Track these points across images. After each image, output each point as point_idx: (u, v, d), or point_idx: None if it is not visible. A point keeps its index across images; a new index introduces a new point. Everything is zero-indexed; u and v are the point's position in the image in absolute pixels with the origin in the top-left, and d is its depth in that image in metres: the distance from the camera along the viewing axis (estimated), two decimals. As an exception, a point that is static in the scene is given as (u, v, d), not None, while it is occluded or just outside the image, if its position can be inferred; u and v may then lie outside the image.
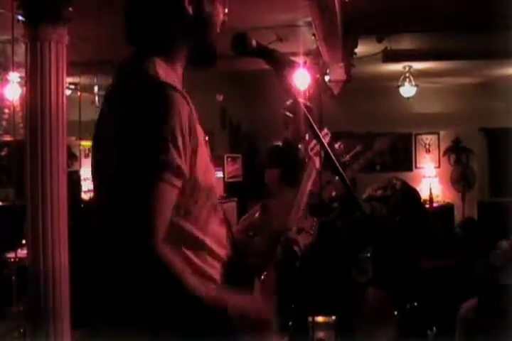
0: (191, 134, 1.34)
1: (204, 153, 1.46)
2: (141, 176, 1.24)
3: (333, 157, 1.36)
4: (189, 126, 1.33)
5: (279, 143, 4.27)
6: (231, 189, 6.35)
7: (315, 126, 1.37)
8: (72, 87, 6.46)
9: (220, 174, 5.99)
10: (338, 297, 4.06)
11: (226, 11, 1.47)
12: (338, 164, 1.36)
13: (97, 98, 6.48)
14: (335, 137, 4.60)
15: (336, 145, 4.53)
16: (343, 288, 4.04)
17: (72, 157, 6.42)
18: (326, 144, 1.36)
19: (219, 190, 5.93)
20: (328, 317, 4.28)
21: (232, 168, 7.97)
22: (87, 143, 7.35)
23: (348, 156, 4.46)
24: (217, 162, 7.89)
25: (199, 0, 1.40)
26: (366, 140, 5.02)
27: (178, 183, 1.29)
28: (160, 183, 1.24)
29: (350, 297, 4.20)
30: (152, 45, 1.42)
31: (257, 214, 3.46)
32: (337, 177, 3.87)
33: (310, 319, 3.83)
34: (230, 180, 7.45)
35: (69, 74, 4.09)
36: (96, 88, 6.54)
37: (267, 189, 4.10)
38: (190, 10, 1.39)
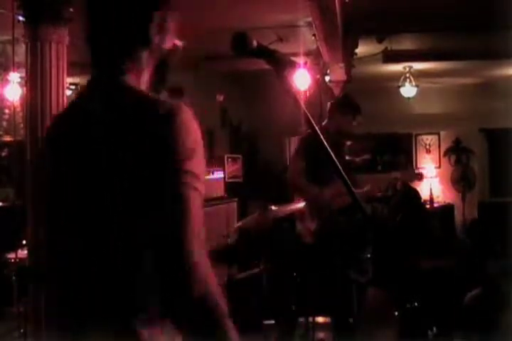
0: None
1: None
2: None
3: (333, 156, 1.35)
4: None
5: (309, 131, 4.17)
6: (231, 189, 6.35)
7: (315, 126, 1.37)
8: (73, 87, 6.46)
9: (220, 174, 5.99)
10: (338, 297, 4.05)
11: (179, 42, 1.59)
12: (338, 165, 1.36)
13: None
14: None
15: (348, 143, 4.51)
16: (343, 288, 4.04)
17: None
18: (326, 143, 1.36)
19: (219, 191, 5.93)
20: (328, 317, 4.28)
21: (233, 168, 7.97)
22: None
23: (357, 159, 4.47)
24: (218, 162, 7.89)
25: (162, 31, 1.50)
26: (366, 140, 5.04)
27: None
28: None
29: (350, 297, 4.19)
30: (122, 66, 1.42)
31: (256, 214, 3.46)
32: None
33: (310, 319, 3.84)
34: (230, 180, 7.45)
35: (69, 75, 4.08)
36: (96, 88, 6.53)
37: (289, 184, 3.99)
38: (156, 39, 1.47)
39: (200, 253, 1.22)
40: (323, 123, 4.16)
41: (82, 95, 1.46)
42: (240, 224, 3.88)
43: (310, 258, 3.80)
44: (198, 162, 1.26)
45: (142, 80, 1.46)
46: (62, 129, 1.43)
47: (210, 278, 1.23)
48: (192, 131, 1.30)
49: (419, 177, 4.26)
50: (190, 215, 1.21)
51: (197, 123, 1.33)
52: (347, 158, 4.43)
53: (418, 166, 10.32)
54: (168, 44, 1.54)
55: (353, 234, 3.82)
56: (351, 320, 3.80)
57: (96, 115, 1.36)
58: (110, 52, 1.43)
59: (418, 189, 6.27)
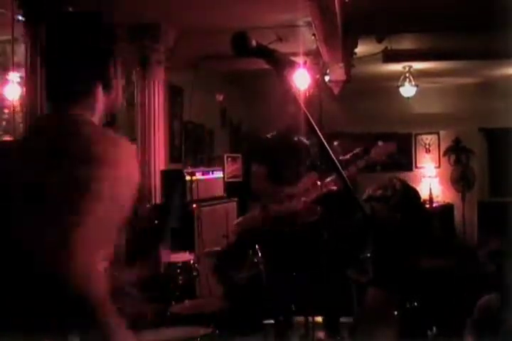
0: None
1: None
2: None
3: (333, 156, 1.35)
4: None
5: (269, 135, 4.22)
6: (231, 189, 6.35)
7: (315, 126, 1.37)
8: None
9: (220, 174, 5.99)
10: (337, 297, 4.06)
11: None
12: (337, 163, 1.36)
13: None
14: (334, 137, 4.61)
15: (335, 143, 4.53)
16: (342, 287, 4.04)
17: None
18: (325, 143, 1.36)
19: (219, 190, 5.93)
20: (327, 317, 4.28)
21: (232, 168, 7.96)
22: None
23: (348, 156, 4.46)
24: (217, 162, 7.88)
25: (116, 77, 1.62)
26: (366, 140, 5.03)
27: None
28: None
29: (350, 297, 4.19)
30: (82, 104, 1.55)
31: (256, 213, 3.46)
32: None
33: (310, 319, 3.83)
34: (230, 180, 7.45)
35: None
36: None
37: (253, 188, 4.06)
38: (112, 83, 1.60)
39: (87, 262, 1.27)
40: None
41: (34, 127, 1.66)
42: (239, 220, 3.89)
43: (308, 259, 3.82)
44: (110, 184, 1.34)
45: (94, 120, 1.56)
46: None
47: (93, 280, 1.27)
48: (106, 153, 1.38)
49: (390, 147, 4.13)
50: (82, 225, 1.28)
51: (129, 154, 1.46)
52: (340, 157, 4.44)
53: (418, 166, 10.32)
54: (118, 99, 1.66)
55: (351, 233, 3.82)
56: (351, 320, 3.80)
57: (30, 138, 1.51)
58: (69, 88, 1.54)
59: (418, 189, 6.27)
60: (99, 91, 1.56)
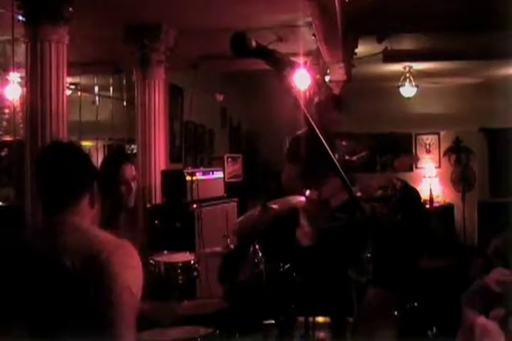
0: None
1: None
2: None
3: (334, 158, 1.35)
4: None
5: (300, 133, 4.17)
6: (231, 189, 6.35)
7: (314, 126, 1.37)
8: (72, 87, 6.46)
9: (220, 174, 5.99)
10: (338, 297, 4.05)
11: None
12: (337, 163, 1.36)
13: (97, 98, 6.48)
14: (334, 137, 4.59)
15: (344, 143, 4.51)
16: (343, 288, 4.04)
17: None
18: (325, 143, 1.36)
19: (219, 190, 5.93)
20: (328, 317, 4.28)
21: (233, 168, 7.97)
22: (87, 143, 7.36)
23: (354, 158, 4.46)
24: (218, 162, 7.89)
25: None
26: (366, 140, 5.04)
27: None
28: None
29: (350, 297, 4.19)
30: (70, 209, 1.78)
31: (256, 213, 3.45)
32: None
33: (310, 319, 3.83)
34: (230, 180, 7.45)
35: (69, 74, 4.09)
36: (96, 88, 6.54)
37: (284, 185, 4.01)
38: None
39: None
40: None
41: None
42: (239, 219, 3.88)
43: (308, 259, 3.81)
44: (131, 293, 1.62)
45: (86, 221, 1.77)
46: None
47: None
48: (129, 266, 1.65)
49: (416, 159, 4.27)
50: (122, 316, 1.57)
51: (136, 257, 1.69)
52: (347, 157, 4.43)
53: (418, 166, 10.32)
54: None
55: (353, 233, 3.82)
56: (350, 320, 3.80)
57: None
58: (62, 198, 1.75)
59: (418, 189, 6.27)
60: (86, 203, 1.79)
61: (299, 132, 4.20)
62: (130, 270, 1.64)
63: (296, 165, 3.92)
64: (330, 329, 4.06)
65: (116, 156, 3.35)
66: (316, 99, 4.66)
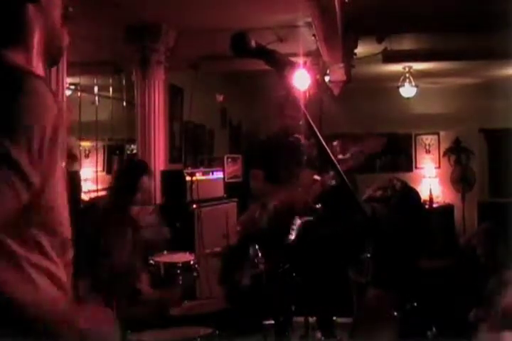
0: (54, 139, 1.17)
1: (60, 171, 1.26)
2: None
3: (331, 156, 1.36)
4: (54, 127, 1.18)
5: (265, 137, 4.29)
6: (231, 189, 6.35)
7: (314, 127, 1.37)
8: (72, 87, 6.46)
9: (220, 174, 5.99)
10: (337, 297, 4.06)
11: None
12: (336, 163, 1.36)
13: (97, 98, 6.48)
14: (335, 137, 4.60)
15: (334, 143, 4.53)
16: (342, 288, 4.04)
17: (72, 157, 6.42)
18: (324, 143, 1.36)
19: (219, 191, 5.93)
20: (323, 317, 4.28)
21: (232, 168, 7.96)
22: (87, 144, 7.35)
23: (348, 155, 4.47)
24: (218, 162, 7.88)
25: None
26: (366, 140, 5.03)
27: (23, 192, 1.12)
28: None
29: (350, 297, 4.19)
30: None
31: (257, 214, 3.46)
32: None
33: (310, 319, 3.84)
34: (230, 180, 7.45)
35: (69, 74, 4.08)
36: (96, 88, 6.54)
37: (253, 190, 4.10)
38: None
39: None
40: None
41: None
42: (240, 219, 3.90)
43: (307, 258, 3.83)
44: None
45: (29, 54, 1.31)
46: None
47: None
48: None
49: (383, 139, 4.31)
50: None
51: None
52: (340, 157, 4.45)
53: (418, 166, 10.32)
54: (54, 11, 1.42)
55: (350, 232, 3.83)
56: (345, 320, 3.81)
57: None
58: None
59: (418, 189, 6.26)
60: (29, 11, 1.28)
61: (264, 137, 4.31)
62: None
63: (259, 168, 4.00)
64: (334, 330, 4.07)
65: (135, 168, 3.45)
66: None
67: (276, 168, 3.89)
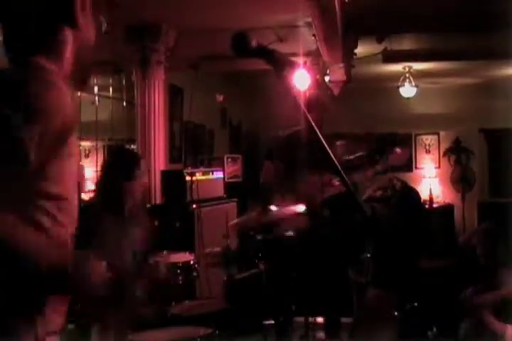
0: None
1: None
2: None
3: (333, 156, 1.36)
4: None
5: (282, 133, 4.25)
6: (231, 189, 6.34)
7: (314, 125, 1.37)
8: (72, 87, 6.45)
9: (220, 174, 5.99)
10: (337, 297, 4.06)
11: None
12: (338, 165, 1.36)
13: (97, 98, 6.47)
14: (335, 137, 4.60)
15: (338, 143, 4.53)
16: (342, 288, 4.04)
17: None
18: (325, 143, 1.36)
19: (219, 191, 5.93)
20: (327, 317, 4.28)
21: (232, 168, 7.97)
22: (87, 144, 7.35)
23: (352, 157, 4.47)
24: (218, 162, 7.88)
25: (85, 9, 1.51)
26: (366, 140, 5.04)
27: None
28: None
29: (350, 297, 4.19)
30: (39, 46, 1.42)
31: (255, 214, 3.46)
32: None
33: (310, 319, 3.84)
34: (230, 180, 7.45)
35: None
36: (96, 88, 6.54)
37: (265, 186, 4.08)
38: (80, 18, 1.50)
39: None
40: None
41: None
42: (237, 221, 3.88)
43: (308, 258, 3.82)
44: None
45: (59, 67, 1.41)
46: None
47: None
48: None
49: (406, 153, 4.33)
50: None
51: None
52: (345, 157, 4.45)
53: (418, 166, 10.32)
54: (90, 32, 1.55)
55: (350, 232, 3.83)
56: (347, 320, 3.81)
57: None
58: (28, 30, 1.38)
59: (418, 189, 6.27)
60: (65, 32, 1.42)
61: (288, 131, 4.27)
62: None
63: (280, 163, 3.98)
64: (325, 330, 4.06)
65: (127, 156, 3.35)
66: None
67: (298, 165, 3.88)
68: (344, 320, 4.27)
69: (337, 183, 3.91)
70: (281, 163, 4.03)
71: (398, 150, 4.29)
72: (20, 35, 1.38)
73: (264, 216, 3.36)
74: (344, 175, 1.39)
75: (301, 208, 3.56)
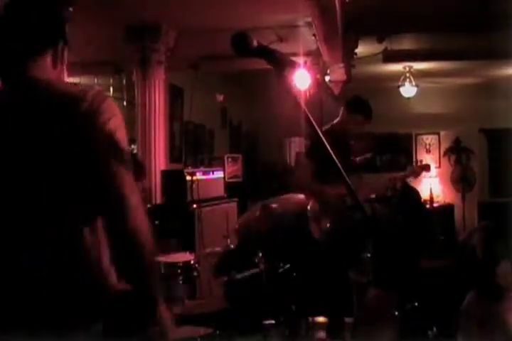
0: None
1: None
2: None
3: (335, 159, 1.35)
4: None
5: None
6: (231, 189, 6.35)
7: (315, 126, 1.37)
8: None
9: (220, 174, 5.99)
10: (337, 297, 4.05)
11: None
12: (340, 166, 1.36)
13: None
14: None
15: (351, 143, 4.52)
16: (343, 288, 4.03)
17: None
18: (327, 145, 1.36)
19: (219, 190, 5.93)
20: (327, 317, 4.27)
21: (233, 168, 7.97)
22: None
23: (357, 159, 4.47)
24: (217, 162, 7.88)
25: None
26: (367, 140, 5.04)
27: None
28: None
29: (350, 297, 4.19)
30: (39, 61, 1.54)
31: (257, 213, 3.46)
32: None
33: (310, 319, 3.83)
34: (230, 180, 7.45)
35: (69, 74, 4.08)
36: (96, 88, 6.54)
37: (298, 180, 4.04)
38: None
39: (140, 220, 1.44)
40: (335, 121, 4.25)
41: None
42: (240, 221, 3.88)
43: (321, 257, 3.82)
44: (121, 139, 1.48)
45: (60, 77, 1.56)
46: None
47: (147, 240, 1.46)
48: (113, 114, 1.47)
49: (426, 168, 4.39)
50: (126, 190, 1.41)
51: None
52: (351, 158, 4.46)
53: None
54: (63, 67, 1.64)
55: (355, 233, 3.82)
56: (349, 320, 3.80)
57: (16, 109, 1.42)
58: (28, 47, 1.49)
59: (418, 189, 6.27)
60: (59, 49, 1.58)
61: (324, 128, 4.25)
62: (115, 118, 1.48)
63: (313, 162, 3.93)
64: (328, 330, 4.06)
65: None
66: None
67: (333, 165, 3.88)
68: (347, 320, 4.27)
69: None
70: (313, 161, 3.97)
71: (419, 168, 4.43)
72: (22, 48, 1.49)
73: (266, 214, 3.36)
74: (345, 176, 1.39)
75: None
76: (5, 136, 1.40)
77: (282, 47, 4.93)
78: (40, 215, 1.37)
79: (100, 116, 1.41)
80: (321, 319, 4.24)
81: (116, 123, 1.46)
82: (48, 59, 1.53)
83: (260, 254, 3.46)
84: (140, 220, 1.43)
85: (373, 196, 4.38)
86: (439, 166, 10.23)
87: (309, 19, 5.03)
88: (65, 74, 1.66)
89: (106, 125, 1.42)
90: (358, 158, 4.48)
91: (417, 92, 8.60)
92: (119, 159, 1.42)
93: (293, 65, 1.43)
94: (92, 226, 1.42)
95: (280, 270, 3.81)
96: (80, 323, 1.37)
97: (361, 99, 4.38)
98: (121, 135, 1.48)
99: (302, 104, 1.40)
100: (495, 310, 3.22)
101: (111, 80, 6.76)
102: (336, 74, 6.59)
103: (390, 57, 6.89)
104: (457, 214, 9.73)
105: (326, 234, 3.88)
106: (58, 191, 1.37)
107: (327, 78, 6.70)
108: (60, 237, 1.38)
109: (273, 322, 3.44)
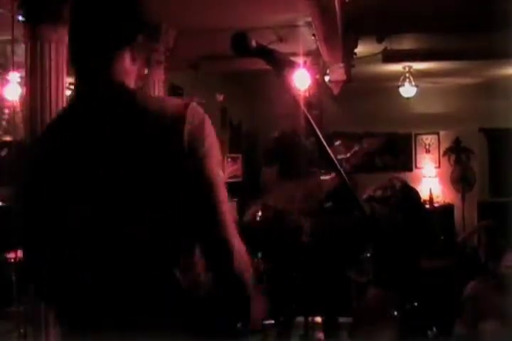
0: None
1: None
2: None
3: (332, 155, 1.36)
4: None
5: (275, 135, 4.30)
6: (231, 189, 6.34)
7: (314, 125, 1.37)
8: (72, 87, 6.46)
9: (220, 174, 5.99)
10: (337, 297, 4.05)
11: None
12: (336, 162, 1.36)
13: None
14: (335, 137, 4.61)
15: (336, 143, 4.54)
16: (342, 287, 4.04)
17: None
18: (324, 143, 1.36)
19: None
20: (327, 317, 4.28)
21: (232, 168, 7.98)
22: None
23: (348, 154, 4.47)
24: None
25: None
26: (378, 138, 5.06)
27: None
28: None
29: (350, 297, 4.19)
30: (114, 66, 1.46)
31: (259, 213, 3.46)
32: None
33: (310, 319, 3.84)
34: (230, 180, 7.46)
35: (69, 74, 4.08)
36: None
37: (264, 187, 4.11)
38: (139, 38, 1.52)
39: (235, 236, 1.40)
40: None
41: (80, 98, 1.45)
42: (240, 220, 3.89)
43: (310, 258, 3.82)
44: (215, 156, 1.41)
45: (131, 81, 1.46)
46: (66, 133, 1.41)
47: (244, 257, 1.41)
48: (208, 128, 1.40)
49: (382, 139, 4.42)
50: (222, 204, 1.39)
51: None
52: (341, 156, 4.46)
53: (418, 166, 10.32)
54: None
55: (350, 232, 3.83)
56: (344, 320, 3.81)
57: (105, 119, 1.37)
58: (101, 52, 1.42)
59: (418, 189, 6.25)
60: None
61: (275, 134, 4.31)
62: (212, 132, 1.40)
63: (273, 167, 4.02)
64: (323, 330, 4.06)
65: None
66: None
67: (291, 165, 3.91)
68: (343, 319, 4.28)
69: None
70: (273, 167, 4.07)
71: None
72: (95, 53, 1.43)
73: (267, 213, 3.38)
74: (343, 174, 1.39)
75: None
76: (92, 152, 1.35)
77: (282, 47, 4.93)
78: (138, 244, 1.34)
79: (203, 144, 1.35)
80: (320, 319, 4.24)
81: (215, 151, 1.40)
82: (127, 54, 1.43)
83: (260, 254, 3.46)
84: (244, 263, 1.40)
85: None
86: (439, 166, 10.24)
87: (309, 19, 5.03)
88: (145, 69, 1.56)
89: (206, 158, 1.37)
90: (348, 154, 4.49)
91: (416, 92, 8.60)
92: (220, 196, 1.40)
93: (292, 64, 1.43)
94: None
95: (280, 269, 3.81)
96: (173, 324, 1.34)
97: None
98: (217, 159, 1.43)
99: (301, 104, 1.40)
100: (495, 299, 3.24)
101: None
102: (335, 74, 6.59)
103: (390, 57, 6.89)
104: (457, 214, 9.73)
105: (310, 236, 3.92)
106: (158, 225, 1.33)
107: (327, 78, 6.70)
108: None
109: (273, 322, 3.45)
